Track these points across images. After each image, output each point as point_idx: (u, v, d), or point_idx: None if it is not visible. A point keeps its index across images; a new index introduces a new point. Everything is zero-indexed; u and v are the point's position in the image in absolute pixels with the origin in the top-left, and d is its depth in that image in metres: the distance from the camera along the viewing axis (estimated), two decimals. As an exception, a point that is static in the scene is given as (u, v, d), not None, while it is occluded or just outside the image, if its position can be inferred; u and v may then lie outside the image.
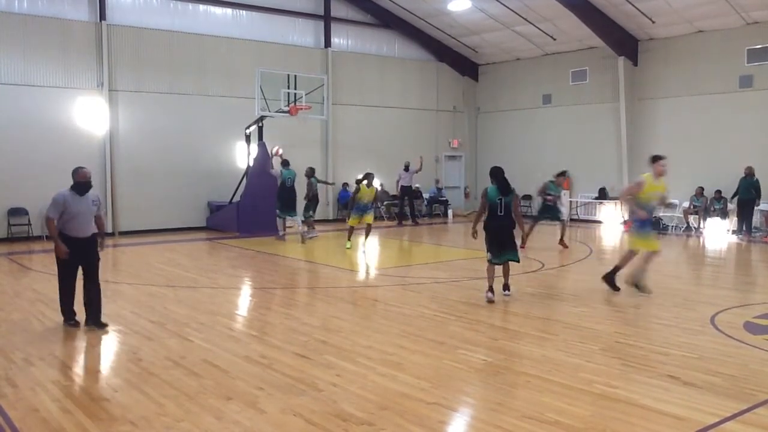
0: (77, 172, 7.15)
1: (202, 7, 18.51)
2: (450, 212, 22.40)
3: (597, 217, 20.55)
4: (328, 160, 20.65)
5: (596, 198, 20.61)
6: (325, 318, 7.97)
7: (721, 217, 17.22)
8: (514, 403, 4.89)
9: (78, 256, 7.14)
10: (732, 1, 16.46)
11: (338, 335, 7.01)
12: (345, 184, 20.60)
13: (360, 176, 14.42)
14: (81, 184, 7.12)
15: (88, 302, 7.27)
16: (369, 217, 14.08)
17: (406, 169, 20.13)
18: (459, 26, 21.34)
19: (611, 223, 19.64)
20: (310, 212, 15.96)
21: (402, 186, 20.26)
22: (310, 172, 15.86)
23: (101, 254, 7.48)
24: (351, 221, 14.10)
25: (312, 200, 15.94)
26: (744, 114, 17.34)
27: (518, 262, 8.86)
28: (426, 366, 5.84)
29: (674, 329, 7.13)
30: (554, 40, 20.56)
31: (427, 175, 22.03)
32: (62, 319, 7.37)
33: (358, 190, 13.87)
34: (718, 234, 16.93)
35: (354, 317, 8.15)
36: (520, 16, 19.42)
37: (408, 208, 20.60)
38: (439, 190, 22.85)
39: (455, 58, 23.54)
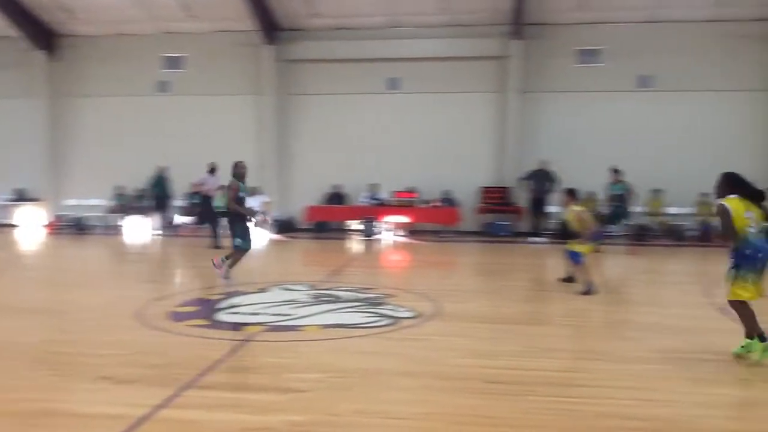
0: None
1: None
2: None
3: (12, 221, 19.11)
4: None
5: (12, 200, 19.12)
6: None
7: (143, 215, 18.06)
8: None
9: None
10: (149, 10, 17.50)
11: None
12: None
13: None
14: None
15: None
16: None
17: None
18: None
19: (29, 227, 18.45)
20: None
21: None
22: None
23: None
24: None
25: None
26: (161, 116, 18.68)
27: None
28: None
29: (103, 329, 7.11)
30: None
31: None
32: None
33: None
34: (141, 230, 17.75)
35: None
36: None
37: None
38: None
39: None
